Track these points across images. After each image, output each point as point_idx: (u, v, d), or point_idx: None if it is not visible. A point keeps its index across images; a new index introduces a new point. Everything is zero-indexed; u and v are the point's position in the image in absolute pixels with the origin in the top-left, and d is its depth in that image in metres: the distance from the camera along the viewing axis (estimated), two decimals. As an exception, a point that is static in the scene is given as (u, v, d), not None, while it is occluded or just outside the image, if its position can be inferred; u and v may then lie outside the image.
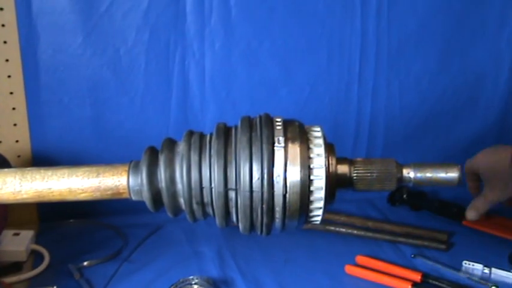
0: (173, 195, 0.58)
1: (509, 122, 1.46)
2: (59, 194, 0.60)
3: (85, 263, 1.05)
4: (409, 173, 0.62)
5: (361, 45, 1.31)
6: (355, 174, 0.62)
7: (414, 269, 1.03)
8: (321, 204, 0.57)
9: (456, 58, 1.38)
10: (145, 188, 0.59)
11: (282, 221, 0.58)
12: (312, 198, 0.57)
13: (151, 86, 1.24)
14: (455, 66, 1.39)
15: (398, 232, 1.18)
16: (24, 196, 0.60)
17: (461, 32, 1.37)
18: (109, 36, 1.19)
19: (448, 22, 1.35)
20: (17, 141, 1.19)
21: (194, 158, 0.57)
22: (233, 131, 0.60)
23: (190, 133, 0.61)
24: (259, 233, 0.60)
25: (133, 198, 0.61)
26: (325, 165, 0.57)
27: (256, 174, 0.55)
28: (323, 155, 0.57)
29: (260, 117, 0.60)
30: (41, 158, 1.21)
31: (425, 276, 0.99)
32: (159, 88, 1.24)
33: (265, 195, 0.55)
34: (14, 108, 1.17)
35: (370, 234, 1.18)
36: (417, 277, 0.99)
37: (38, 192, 0.60)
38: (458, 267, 1.03)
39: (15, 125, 1.18)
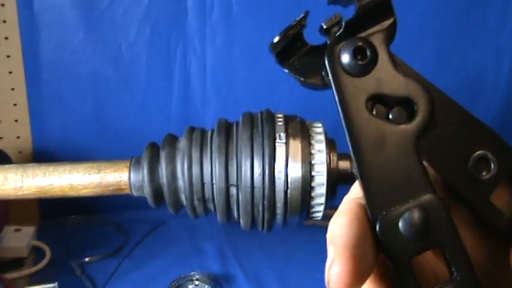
0: (174, 191, 0.58)
1: (510, 120, 1.45)
2: (60, 190, 0.60)
3: (86, 259, 1.05)
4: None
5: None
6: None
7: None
8: (322, 200, 0.57)
9: (457, 56, 1.38)
10: (146, 183, 0.59)
11: (283, 217, 0.58)
12: (313, 194, 0.57)
13: (152, 82, 1.24)
14: (456, 64, 1.39)
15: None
16: (26, 192, 0.60)
17: (462, 30, 1.36)
18: (110, 32, 1.19)
19: (448, 20, 1.35)
20: (18, 137, 1.20)
21: (195, 154, 0.57)
22: (234, 127, 0.60)
23: (192, 129, 0.61)
24: (260, 229, 0.60)
25: (135, 194, 0.61)
26: (327, 161, 0.57)
27: (257, 170, 0.55)
28: (324, 151, 0.57)
29: (261, 113, 0.60)
30: (42, 154, 1.21)
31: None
32: (160, 84, 1.24)
33: (267, 191, 0.55)
34: (15, 104, 1.17)
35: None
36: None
37: (39, 188, 0.60)
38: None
39: (16, 121, 1.19)
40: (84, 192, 0.60)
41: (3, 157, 1.03)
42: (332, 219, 0.29)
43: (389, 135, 0.28)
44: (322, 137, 0.58)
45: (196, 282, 0.98)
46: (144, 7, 1.18)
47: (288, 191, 0.56)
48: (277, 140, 0.56)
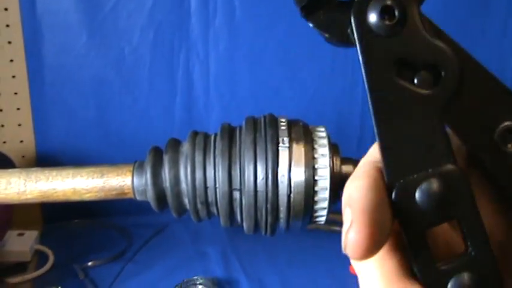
0: (177, 195, 0.58)
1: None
2: (63, 194, 0.60)
3: (89, 263, 1.05)
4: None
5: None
6: (359, 175, 0.61)
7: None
8: (326, 204, 0.57)
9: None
10: (149, 187, 0.58)
11: (287, 221, 0.58)
12: (316, 198, 0.56)
13: (155, 86, 1.24)
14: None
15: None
16: (29, 196, 0.60)
17: (462, 41, 1.35)
18: (113, 36, 1.19)
19: (448, 31, 1.35)
20: (21, 141, 1.20)
21: (198, 158, 0.57)
22: (237, 131, 0.59)
23: (195, 133, 0.61)
24: (263, 233, 0.60)
25: (138, 198, 0.60)
26: (330, 165, 0.56)
27: (260, 175, 0.55)
28: (327, 155, 0.57)
29: (265, 117, 0.60)
30: (45, 158, 1.21)
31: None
32: (163, 88, 1.25)
33: (270, 195, 0.55)
34: (18, 109, 1.18)
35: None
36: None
37: (42, 192, 0.60)
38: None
39: (19, 125, 1.19)
40: (87, 197, 0.60)
41: (6, 161, 1.03)
42: (348, 182, 0.28)
43: (413, 100, 0.27)
44: (325, 141, 0.58)
45: (200, 287, 0.98)
46: (148, 11, 1.18)
47: (291, 195, 0.56)
48: (280, 144, 0.56)
